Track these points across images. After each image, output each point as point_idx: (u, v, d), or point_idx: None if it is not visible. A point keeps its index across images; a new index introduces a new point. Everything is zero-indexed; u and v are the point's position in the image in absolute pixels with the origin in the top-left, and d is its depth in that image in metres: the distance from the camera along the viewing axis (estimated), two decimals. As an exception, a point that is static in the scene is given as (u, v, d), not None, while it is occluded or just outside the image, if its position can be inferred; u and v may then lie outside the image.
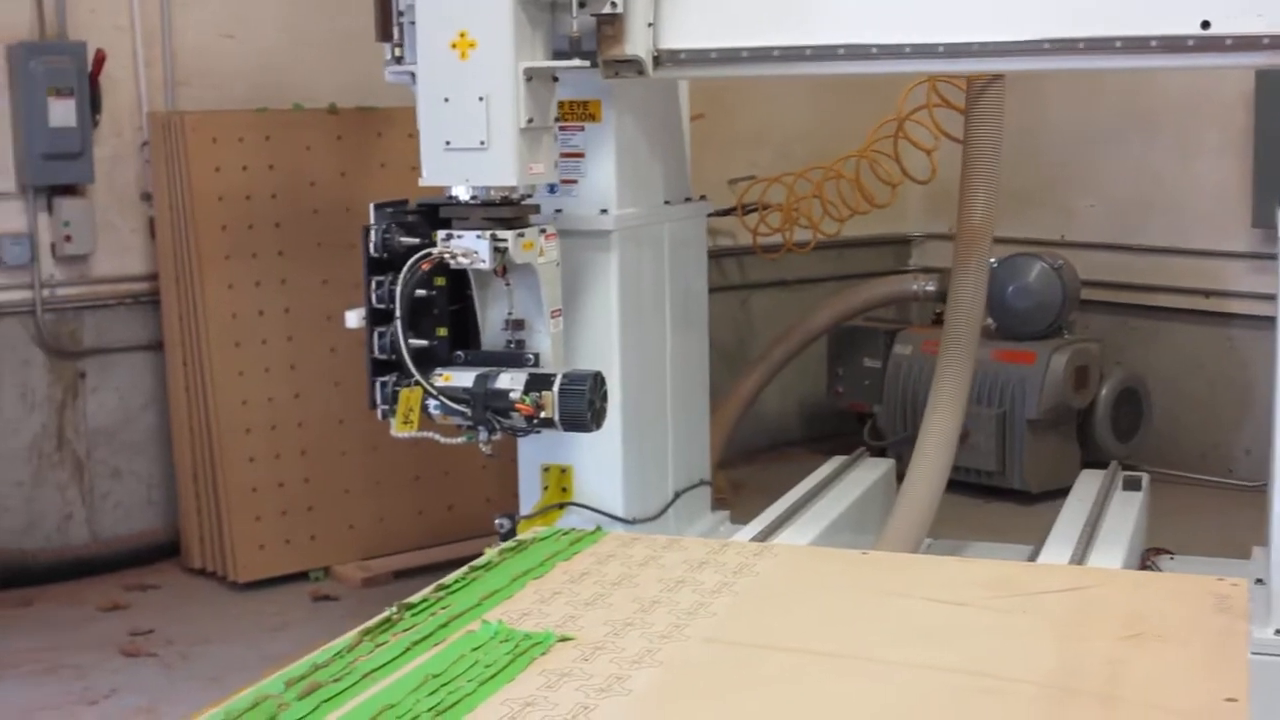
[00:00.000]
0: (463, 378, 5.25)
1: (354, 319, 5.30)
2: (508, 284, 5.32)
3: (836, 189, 8.96)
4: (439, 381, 5.25)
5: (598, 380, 5.19)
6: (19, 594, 7.15)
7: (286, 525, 7.39)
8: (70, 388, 7.45)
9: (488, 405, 5.17)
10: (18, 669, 6.30)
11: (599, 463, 5.86)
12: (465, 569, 4.15)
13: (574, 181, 5.78)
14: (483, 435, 5.23)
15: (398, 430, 5.28)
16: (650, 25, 5.39)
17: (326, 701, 3.20)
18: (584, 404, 5.12)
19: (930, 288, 8.77)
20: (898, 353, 9.18)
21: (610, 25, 5.29)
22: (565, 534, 4.49)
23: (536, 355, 5.33)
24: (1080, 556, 5.63)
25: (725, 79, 7.08)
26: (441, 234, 5.18)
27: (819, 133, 9.67)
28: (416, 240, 5.19)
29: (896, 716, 3.14)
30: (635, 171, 5.93)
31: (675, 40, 5.39)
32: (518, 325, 5.37)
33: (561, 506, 5.87)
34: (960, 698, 3.24)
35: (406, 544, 7.67)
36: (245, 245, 7.25)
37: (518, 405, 5.13)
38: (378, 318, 5.26)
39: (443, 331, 5.33)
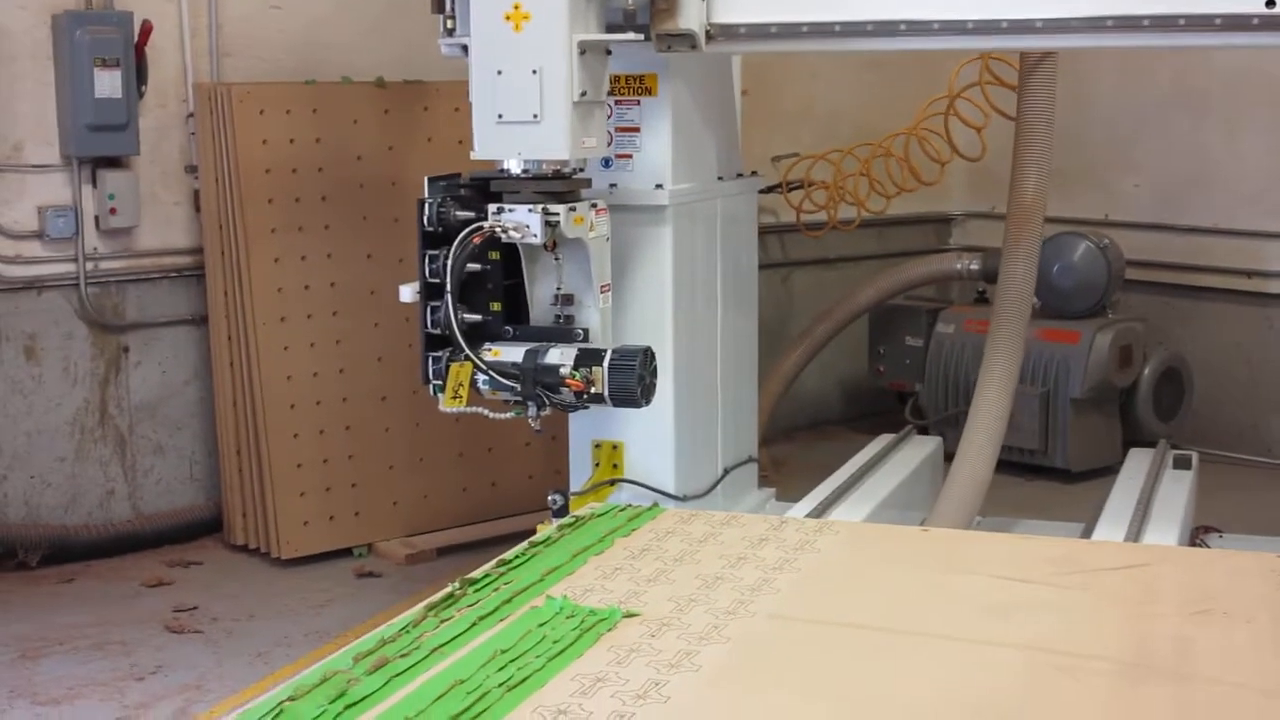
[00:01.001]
0: (512, 353, 5.24)
1: (408, 293, 5.29)
2: (557, 259, 5.31)
3: (885, 166, 8.94)
4: (488, 356, 5.25)
5: (648, 355, 5.18)
6: (62, 570, 7.16)
7: (330, 501, 7.39)
8: (113, 362, 7.46)
9: (537, 380, 5.16)
10: (64, 645, 6.30)
11: (651, 439, 5.86)
12: (525, 544, 4.16)
13: (629, 156, 5.77)
14: (532, 411, 5.23)
15: (446, 405, 5.26)
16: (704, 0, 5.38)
17: (397, 676, 3.21)
18: (634, 379, 5.11)
19: (974, 266, 8.75)
20: (940, 331, 9.17)
21: (663, -1, 5.29)
22: (623, 510, 4.51)
23: (586, 331, 5.33)
24: (1135, 534, 5.63)
25: (779, 53, 7.09)
26: (492, 208, 5.17)
27: (863, 109, 9.66)
28: (471, 214, 5.18)
29: (971, 694, 3.14)
30: (690, 146, 5.92)
31: (729, 14, 5.37)
32: (567, 300, 5.37)
33: (613, 483, 5.86)
34: (1035, 675, 3.24)
35: (450, 521, 7.67)
36: (291, 219, 7.24)
37: (567, 380, 5.12)
38: (431, 292, 5.24)
39: (496, 306, 5.31)
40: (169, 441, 7.63)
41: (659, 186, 5.74)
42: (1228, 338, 9.18)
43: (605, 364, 5.11)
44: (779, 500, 6.68)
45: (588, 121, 5.19)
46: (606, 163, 5.75)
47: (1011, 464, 8.47)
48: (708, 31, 5.38)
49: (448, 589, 3.74)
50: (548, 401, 5.19)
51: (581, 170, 5.29)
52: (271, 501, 7.27)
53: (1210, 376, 9.15)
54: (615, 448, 5.90)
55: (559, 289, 5.36)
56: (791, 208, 9.15)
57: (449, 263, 5.12)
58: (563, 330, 5.34)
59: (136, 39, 7.17)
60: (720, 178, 6.21)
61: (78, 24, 7.05)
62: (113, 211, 7.26)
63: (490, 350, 5.27)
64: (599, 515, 4.44)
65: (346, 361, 7.43)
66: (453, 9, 5.32)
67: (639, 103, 5.75)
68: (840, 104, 9.73)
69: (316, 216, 7.31)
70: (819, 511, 5.85)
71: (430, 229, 5.22)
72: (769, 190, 8.66)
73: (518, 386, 5.18)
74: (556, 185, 5.18)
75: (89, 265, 7.31)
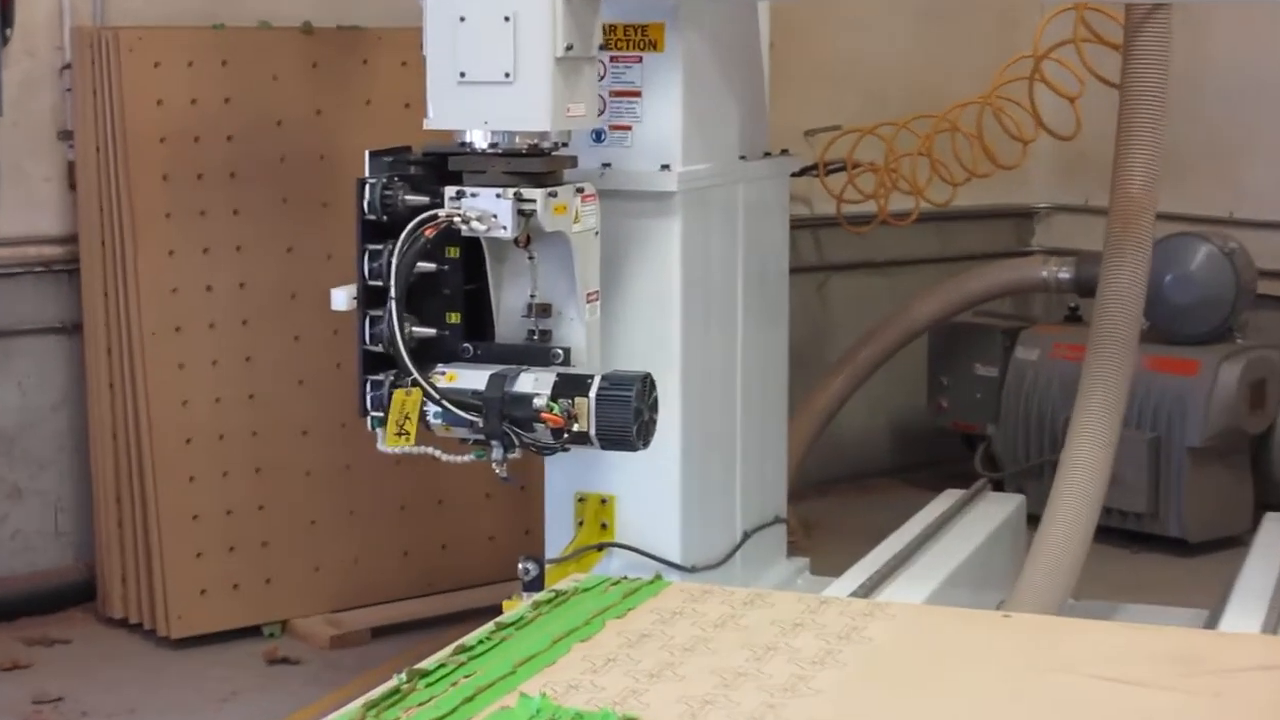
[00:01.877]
0: (472, 378, 5.21)
1: (343, 299, 5.28)
2: (532, 258, 5.31)
3: (950, 144, 8.92)
4: (442, 382, 5.22)
5: (646, 384, 5.16)
6: (-110, 646, 7.18)
7: (235, 565, 7.38)
8: (-41, 380, 7.49)
9: (505, 414, 5.13)
10: (-112, 744, 6.31)
11: (650, 492, 5.86)
12: (490, 626, 4.14)
13: (627, 128, 5.78)
14: (497, 453, 5.19)
15: (388, 444, 5.25)
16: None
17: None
18: (629, 414, 5.08)
19: (1064, 274, 8.74)
20: (1020, 358, 9.17)
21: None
22: (615, 584, 4.49)
23: (566, 350, 5.32)
24: (1276, 623, 5.61)
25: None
26: (450, 191, 5.16)
27: (922, 72, 9.68)
28: (424, 199, 5.17)
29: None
30: (705, 117, 5.92)
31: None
32: (543, 311, 5.36)
33: (601, 548, 5.86)
34: (1154, 809, 3.21)
35: (388, 593, 7.68)
36: (192, 201, 7.25)
37: (543, 415, 5.09)
38: (372, 298, 5.23)
39: (454, 318, 5.32)
40: (29, 483, 7.63)
41: (665, 168, 5.74)
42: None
43: (592, 394, 5.09)
44: (814, 573, 6.69)
45: (574, 83, 5.19)
46: (598, 136, 5.75)
47: (1113, 530, 8.47)
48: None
49: (392, 682, 3.71)
50: (517, 441, 5.16)
51: (565, 146, 5.29)
52: (159, 564, 7.25)
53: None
54: (604, 502, 5.90)
55: (533, 296, 5.36)
56: (831, 196, 9.17)
57: (394, 261, 5.09)
58: (537, 350, 5.33)
59: (-1, -31, 7.20)
60: (743, 157, 6.23)
61: (-77, -49, 7.07)
62: (-38, 188, 7.29)
63: (445, 374, 5.25)
64: (585, 590, 4.42)
65: (258, 385, 7.43)
66: (403, -66, 5.33)
67: (640, 60, 5.77)
68: (893, 64, 9.76)
69: (223, 198, 7.33)
70: (867, 589, 5.84)
71: (371, 217, 5.21)
72: (803, 173, 8.67)
73: (479, 421, 5.15)
74: (533, 164, 5.17)
75: (-70, 256, 7.35)
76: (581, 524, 5.90)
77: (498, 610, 4.61)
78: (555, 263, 5.31)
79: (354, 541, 7.65)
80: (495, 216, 5.10)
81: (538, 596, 4.40)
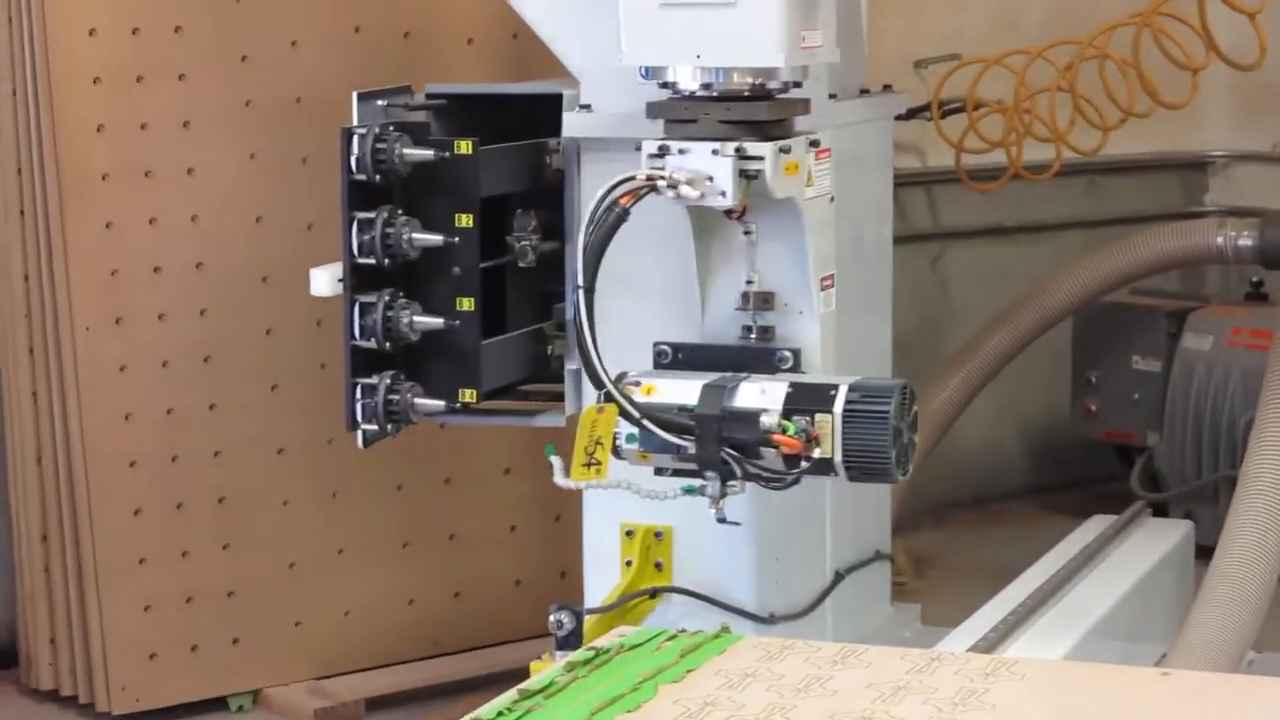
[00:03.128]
0: (678, 389, 5.18)
1: (324, 281, 5.34)
2: (749, 233, 5.33)
3: (1099, 76, 8.94)
4: (637, 395, 5.17)
5: (906, 394, 5.11)
6: None
7: (193, 620, 7.42)
8: None
9: (724, 436, 5.07)
10: None
11: (715, 523, 5.83)
12: (512, 694, 4.17)
13: None
14: (713, 488, 5.15)
15: (574, 479, 5.16)
16: None
17: None
18: (887, 435, 5.01)
19: (1247, 242, 8.73)
20: (1189, 348, 9.18)
21: None
22: (672, 638, 4.52)
23: (796, 353, 5.32)
24: None
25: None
26: (651, 146, 5.13)
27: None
28: (429, 153, 5.20)
29: None
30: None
31: None
32: (764, 302, 5.36)
33: (654, 594, 5.90)
34: None
35: (387, 654, 7.72)
36: (135, 157, 7.28)
37: (775, 437, 5.03)
38: (363, 280, 5.28)
39: (468, 304, 5.36)
40: (-68, 521, 7.68)
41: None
42: None
43: (837, 409, 5.03)
44: (926, 624, 6.76)
45: (810, 7, 5.22)
46: (648, 72, 5.75)
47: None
48: None
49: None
50: (740, 471, 5.10)
51: (798, 87, 5.29)
52: (97, 620, 7.29)
53: None
54: (659, 536, 5.94)
55: (750, 283, 5.36)
56: (948, 143, 9.19)
57: (582, 237, 5.05)
58: (759, 351, 5.33)
59: None
60: (833, 95, 6.24)
61: None
62: None
63: (640, 385, 5.21)
64: (633, 647, 4.45)
65: (220, 392, 7.47)
66: None
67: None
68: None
69: (175, 154, 7.36)
70: (992, 643, 5.86)
71: (361, 177, 5.29)
72: (911, 115, 8.69)
73: (691, 447, 5.12)
74: (760, 110, 5.17)
75: None
76: (630, 564, 5.94)
77: (524, 674, 4.65)
78: (780, 239, 5.32)
79: (344, 589, 7.68)
80: (711, 179, 5.07)
81: (573, 656, 4.42)
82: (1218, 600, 6.23)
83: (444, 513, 7.73)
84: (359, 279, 5.29)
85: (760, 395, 5.06)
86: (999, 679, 4.26)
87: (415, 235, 5.30)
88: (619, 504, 5.89)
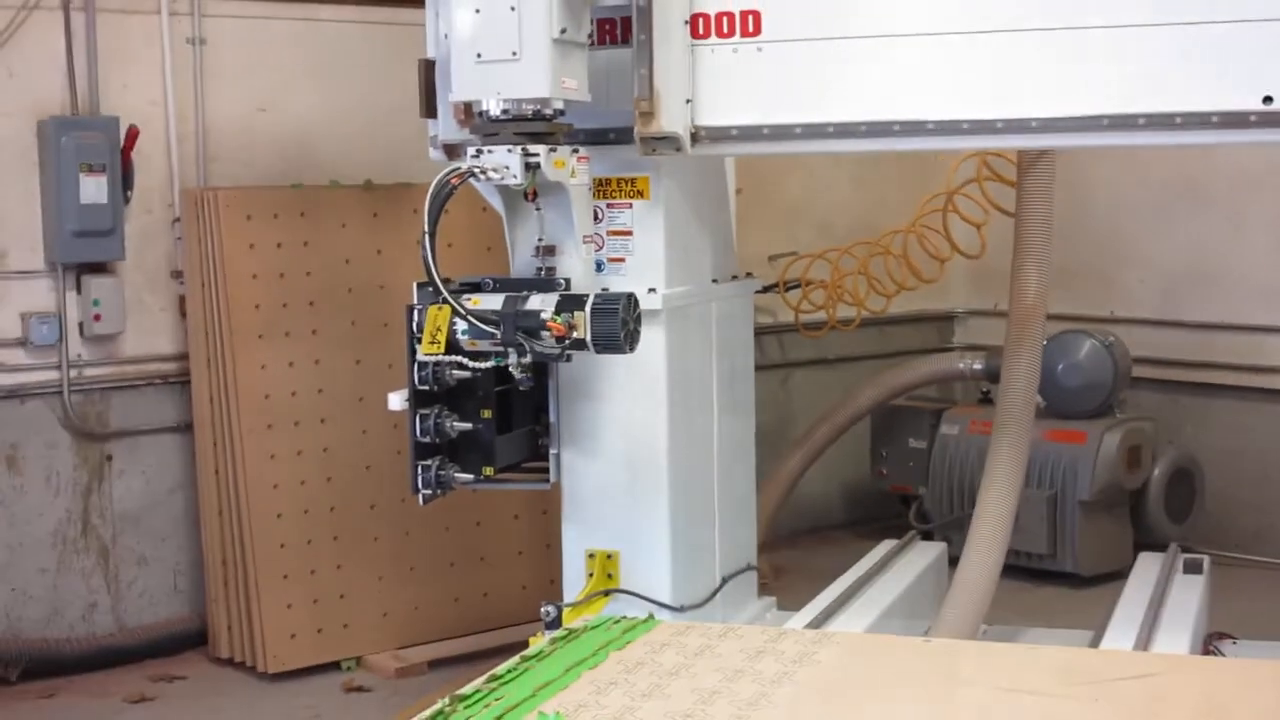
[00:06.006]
0: (492, 301, 5.27)
1: (397, 401, 5.31)
2: (539, 209, 5.34)
3: (884, 264, 8.98)
4: (467, 304, 5.25)
5: (631, 301, 5.21)
6: (44, 685, 7.13)
7: (318, 613, 7.37)
8: (96, 471, 7.46)
9: (518, 325, 5.16)
10: (44, 763, 6.29)
11: (646, 548, 5.85)
12: (517, 658, 4.15)
13: (621, 260, 5.79)
14: (512, 358, 5.21)
15: (424, 352, 5.24)
16: (689, 102, 5.43)
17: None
18: (617, 323, 5.12)
19: (978, 366, 8.77)
20: (944, 433, 9.16)
21: (645, 102, 5.35)
22: (617, 622, 4.49)
23: (568, 280, 5.34)
24: (1145, 642, 5.61)
25: (768, 156, 7.11)
26: (472, 150, 5.20)
27: (860, 206, 9.71)
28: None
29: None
30: (684, 249, 5.96)
31: (716, 116, 5.42)
32: (548, 252, 5.40)
33: (607, 594, 5.84)
34: (1040, 793, 3.23)
35: (441, 632, 7.64)
36: (279, 324, 7.27)
37: (549, 324, 5.13)
38: (421, 399, 5.26)
39: (487, 413, 5.35)
40: (153, 552, 7.61)
41: (652, 290, 5.73)
42: (1239, 436, 9.16)
43: (588, 308, 5.14)
44: (780, 609, 6.65)
45: (568, 61, 5.26)
46: (599, 266, 5.76)
47: (1020, 569, 8.43)
48: (694, 133, 5.44)
49: (438, 705, 3.73)
50: (528, 348, 5.18)
51: (563, 114, 5.33)
52: (258, 614, 7.24)
53: (1222, 476, 9.11)
54: (610, 557, 5.88)
55: (540, 240, 5.39)
56: (789, 307, 9.19)
57: (426, 203, 5.13)
58: (544, 281, 5.36)
59: (122, 144, 7.23)
60: (715, 280, 6.24)
61: (64, 129, 7.12)
62: (97, 318, 7.30)
63: (470, 299, 5.29)
64: (593, 628, 4.43)
65: (334, 469, 7.42)
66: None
67: (631, 205, 5.79)
68: (837, 201, 9.79)
69: (304, 322, 7.34)
70: (819, 622, 5.83)
71: (419, 336, 5.23)
72: (766, 290, 8.70)
73: (497, 333, 5.18)
74: (536, 126, 5.23)
75: (73, 372, 7.34)
76: (591, 575, 5.89)
77: (525, 645, 4.62)
78: (557, 210, 5.34)
79: (414, 592, 7.62)
80: (508, 167, 5.15)
81: (555, 634, 4.41)
82: (961, 593, 6.20)
83: (476, 543, 7.68)
84: (419, 398, 5.27)
85: (541, 301, 5.19)
86: (823, 646, 4.25)
87: (454, 372, 5.27)
88: (585, 536, 5.90)
